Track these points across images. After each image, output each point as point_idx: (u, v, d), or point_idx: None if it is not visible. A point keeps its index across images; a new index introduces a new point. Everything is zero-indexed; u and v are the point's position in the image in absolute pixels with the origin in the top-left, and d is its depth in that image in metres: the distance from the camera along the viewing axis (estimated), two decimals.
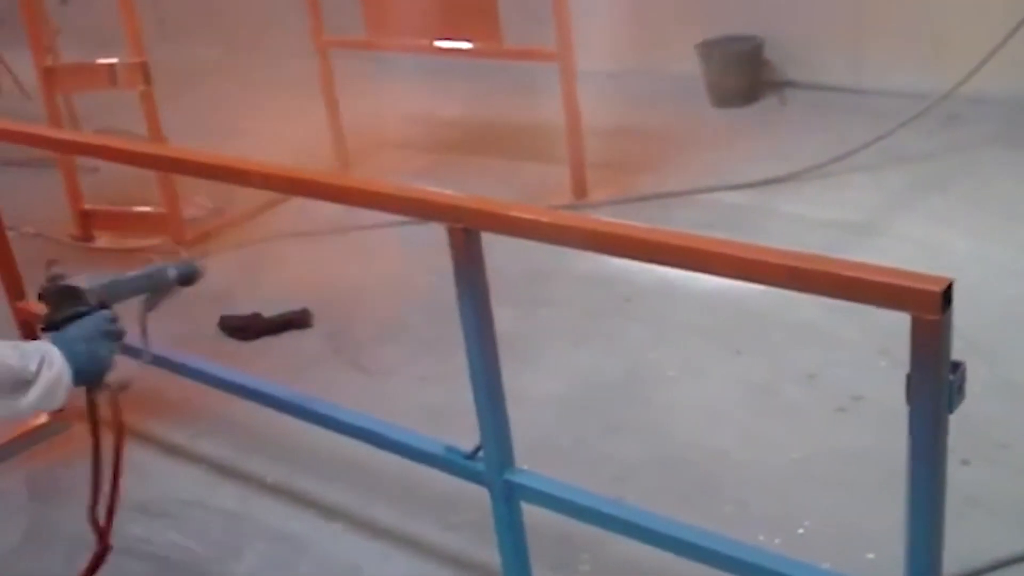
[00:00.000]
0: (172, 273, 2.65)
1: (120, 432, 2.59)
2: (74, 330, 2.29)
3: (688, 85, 7.06)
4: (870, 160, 5.67)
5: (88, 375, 2.26)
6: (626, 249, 2.36)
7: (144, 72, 5.48)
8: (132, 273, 2.57)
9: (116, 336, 2.35)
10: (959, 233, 4.90)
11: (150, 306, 2.58)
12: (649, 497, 3.18)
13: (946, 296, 1.87)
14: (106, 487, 2.69)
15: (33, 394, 2.12)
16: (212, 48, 10.16)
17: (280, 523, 3.60)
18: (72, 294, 2.36)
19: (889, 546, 2.19)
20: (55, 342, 2.22)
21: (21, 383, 2.11)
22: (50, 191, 6.25)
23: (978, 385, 3.35)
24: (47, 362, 2.16)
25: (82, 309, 2.33)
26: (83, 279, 2.40)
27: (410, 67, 7.75)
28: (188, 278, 2.69)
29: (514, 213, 2.49)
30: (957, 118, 6.08)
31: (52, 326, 2.33)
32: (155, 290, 2.60)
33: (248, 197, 5.89)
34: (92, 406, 2.46)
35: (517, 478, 2.77)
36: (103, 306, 2.37)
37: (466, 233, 2.52)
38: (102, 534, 2.73)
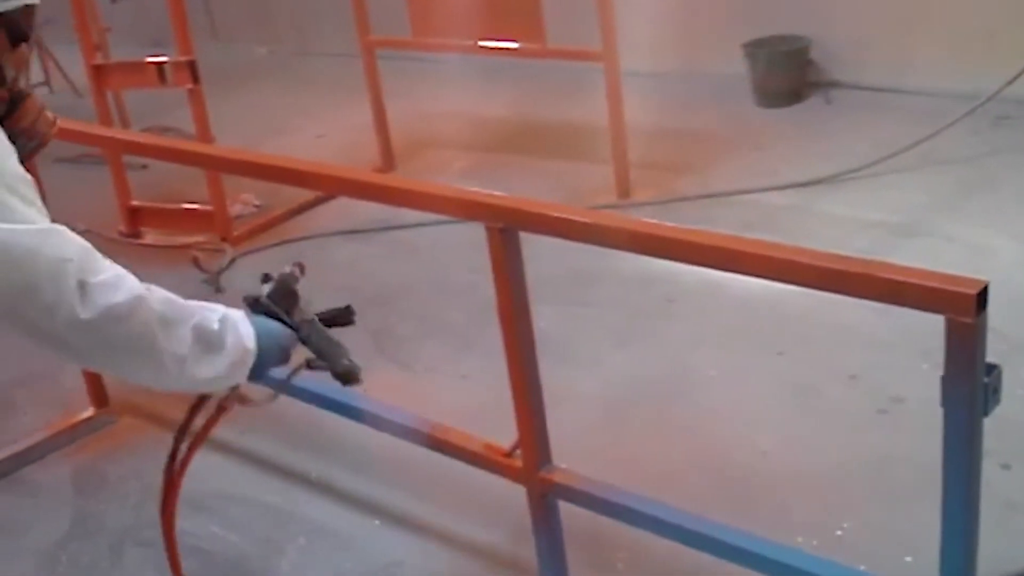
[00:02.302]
0: (345, 365, 2.47)
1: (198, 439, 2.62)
2: (268, 324, 2.23)
3: (733, 85, 7.04)
4: (915, 161, 5.64)
5: (254, 370, 2.16)
6: (668, 250, 2.37)
7: (193, 71, 5.53)
8: (333, 337, 2.48)
9: (285, 360, 2.30)
10: (1006, 236, 4.87)
11: (305, 367, 2.45)
12: (687, 497, 3.17)
13: (981, 299, 1.87)
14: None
15: (220, 359, 2.05)
16: (259, 47, 10.25)
17: (322, 518, 3.64)
18: (288, 299, 2.33)
19: (928, 549, 2.18)
20: (249, 320, 2.16)
21: (209, 343, 2.03)
22: (99, 188, 6.32)
23: (1021, 388, 3.35)
24: (237, 331, 2.09)
25: (283, 317, 2.29)
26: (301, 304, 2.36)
27: (454, 67, 7.77)
28: (347, 378, 2.49)
29: (553, 213, 2.50)
30: (1005, 119, 6.04)
31: (254, 306, 2.28)
32: (325, 364, 2.44)
33: (293, 195, 5.95)
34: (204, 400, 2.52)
35: (554, 476, 2.79)
36: (297, 329, 2.32)
37: (504, 233, 2.53)
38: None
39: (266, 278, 2.33)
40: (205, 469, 3.96)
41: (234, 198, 6.12)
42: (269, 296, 2.28)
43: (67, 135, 4.19)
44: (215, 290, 5.40)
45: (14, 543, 3.70)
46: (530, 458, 2.77)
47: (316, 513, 3.67)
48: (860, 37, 6.91)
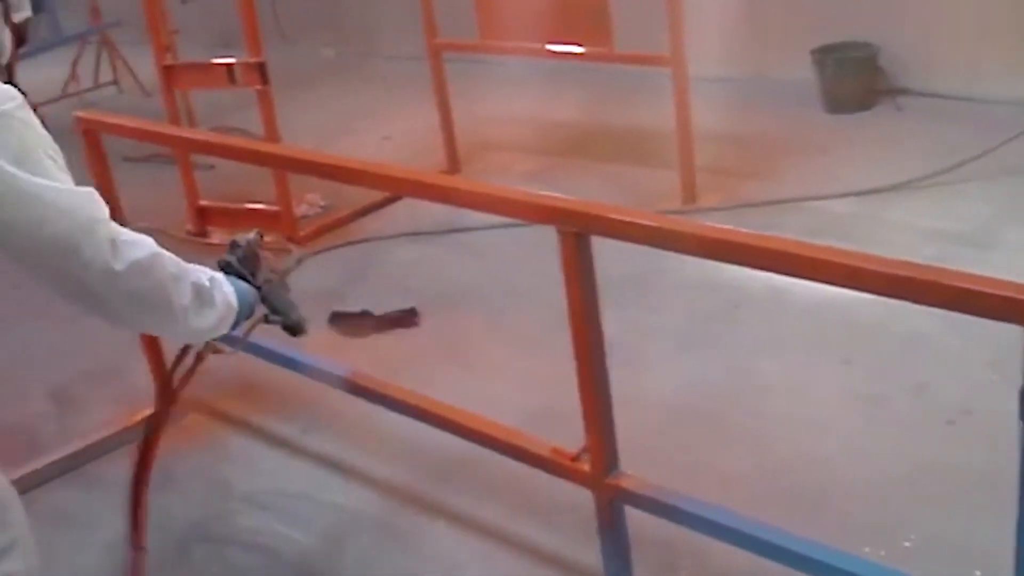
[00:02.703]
0: (293, 318, 2.77)
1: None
2: (239, 284, 2.45)
3: (801, 91, 6.99)
4: (985, 170, 5.56)
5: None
6: (742, 256, 2.35)
7: (262, 72, 5.58)
8: (286, 296, 2.75)
9: (251, 315, 2.53)
10: None
11: (263, 321, 2.69)
12: (752, 505, 3.14)
13: None
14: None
15: (213, 313, 2.24)
16: (326, 48, 10.32)
17: (385, 518, 3.65)
18: (252, 262, 2.60)
19: (997, 564, 2.16)
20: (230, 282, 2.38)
21: (204, 298, 2.21)
22: (167, 187, 6.39)
23: None
24: (222, 289, 2.29)
25: (248, 278, 2.54)
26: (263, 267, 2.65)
27: (520, 70, 7.79)
28: (295, 330, 2.82)
29: (626, 218, 2.49)
30: None
31: (225, 269, 2.51)
32: (279, 318, 2.71)
33: (359, 196, 5.98)
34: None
35: (622, 482, 2.78)
36: (259, 288, 2.57)
37: (577, 237, 2.53)
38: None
39: (233, 244, 2.59)
40: (268, 467, 4.02)
41: (300, 198, 6.17)
42: (239, 260, 2.56)
43: (139, 134, 4.28)
44: (283, 290, 5.43)
45: (82, 537, 3.74)
46: (598, 463, 2.76)
47: (379, 513, 3.69)
48: (930, 44, 6.85)
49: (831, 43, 6.98)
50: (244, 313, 2.43)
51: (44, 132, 2.02)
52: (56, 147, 2.03)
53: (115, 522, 3.76)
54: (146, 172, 6.85)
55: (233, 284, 2.39)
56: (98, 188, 3.85)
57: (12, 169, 1.88)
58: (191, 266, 2.21)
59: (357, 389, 3.57)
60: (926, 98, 6.82)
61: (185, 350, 2.90)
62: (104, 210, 2.01)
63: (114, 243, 1.99)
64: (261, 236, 2.70)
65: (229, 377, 4.55)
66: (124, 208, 4.16)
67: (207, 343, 2.66)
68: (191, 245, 6.12)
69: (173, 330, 2.22)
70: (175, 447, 4.20)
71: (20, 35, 2.35)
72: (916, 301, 2.09)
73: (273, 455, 4.11)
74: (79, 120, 3.95)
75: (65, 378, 4.74)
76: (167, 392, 3.07)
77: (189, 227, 6.26)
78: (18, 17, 2.31)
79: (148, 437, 3.14)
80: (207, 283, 2.23)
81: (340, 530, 3.63)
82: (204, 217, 6.24)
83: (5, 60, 2.24)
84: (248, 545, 3.62)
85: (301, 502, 3.80)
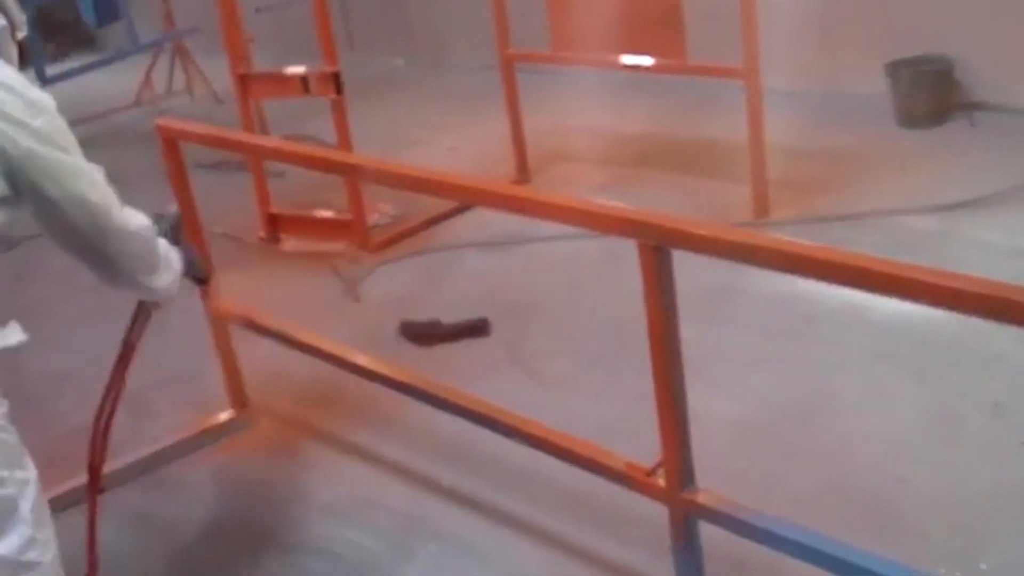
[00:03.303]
0: (199, 270, 3.33)
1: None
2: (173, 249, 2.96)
3: (875, 105, 6.93)
4: None
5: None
6: (818, 271, 2.34)
7: (337, 82, 5.63)
8: (198, 257, 3.37)
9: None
10: None
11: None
12: (826, 524, 3.11)
13: None
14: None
15: (175, 271, 2.87)
16: (396, 58, 10.38)
17: (453, 526, 3.66)
18: (176, 231, 3.11)
19: None
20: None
21: (168, 260, 2.83)
22: (239, 194, 6.46)
23: None
24: (171, 253, 2.87)
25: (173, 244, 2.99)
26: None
27: (592, 81, 7.79)
28: (203, 280, 3.51)
29: (705, 232, 2.49)
30: None
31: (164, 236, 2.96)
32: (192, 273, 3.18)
33: (430, 205, 6.02)
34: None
35: (698, 497, 2.77)
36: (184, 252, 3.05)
37: (657, 251, 2.53)
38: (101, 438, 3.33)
39: (160, 217, 2.99)
40: (341, 474, 4.04)
41: (371, 207, 6.21)
42: (171, 230, 3.04)
43: (217, 142, 4.34)
44: (353, 298, 5.48)
45: (154, 539, 3.79)
46: (673, 478, 2.76)
47: (447, 521, 3.69)
48: (1006, 58, 6.76)
49: (905, 57, 6.91)
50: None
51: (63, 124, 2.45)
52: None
53: (189, 526, 3.84)
54: (218, 178, 6.92)
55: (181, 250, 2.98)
56: (176, 194, 3.96)
57: (60, 155, 2.37)
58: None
59: (427, 397, 3.59)
60: (1002, 113, 6.73)
61: (138, 312, 3.24)
62: (108, 185, 2.53)
63: (125, 209, 2.56)
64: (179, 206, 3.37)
65: (302, 385, 4.60)
66: (199, 213, 4.22)
67: (155, 301, 3.09)
68: (263, 252, 6.19)
69: (154, 288, 2.76)
70: (247, 454, 4.25)
71: (23, 56, 2.58)
72: (994, 319, 2.08)
73: (345, 461, 4.13)
74: (160, 128, 4.01)
75: (140, 382, 4.79)
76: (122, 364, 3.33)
77: (261, 233, 6.31)
78: (21, 35, 2.53)
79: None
80: (162, 250, 2.79)
81: (410, 537, 3.64)
82: (276, 224, 6.29)
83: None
84: (318, 552, 3.64)
85: (372, 509, 3.82)
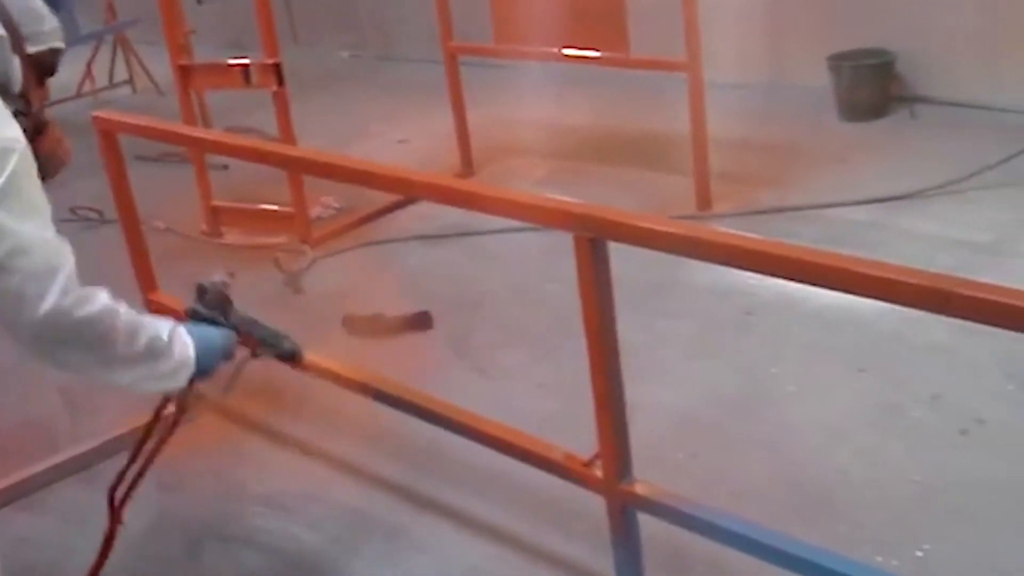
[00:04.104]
0: (287, 346, 2.94)
1: (171, 427, 2.99)
2: (208, 331, 2.62)
3: (817, 98, 6.99)
4: (1002, 179, 5.55)
5: (197, 373, 2.53)
6: (756, 263, 2.36)
7: (277, 73, 5.59)
8: (270, 327, 2.89)
9: (230, 356, 2.69)
10: None
11: (251, 357, 2.88)
12: (764, 513, 3.16)
13: None
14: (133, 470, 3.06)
15: (165, 365, 2.42)
16: (341, 51, 10.33)
17: (398, 521, 3.65)
18: (223, 304, 2.73)
19: (1010, 573, 2.15)
20: (189, 331, 2.52)
21: (157, 352, 2.40)
22: (180, 187, 6.40)
23: None
24: (182, 341, 2.47)
25: (221, 321, 2.69)
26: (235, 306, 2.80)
27: (538, 74, 7.79)
28: (293, 358, 2.99)
29: (642, 224, 2.49)
30: None
31: (194, 316, 2.71)
32: (268, 350, 2.89)
33: (374, 199, 5.98)
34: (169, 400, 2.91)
35: (635, 488, 2.78)
36: (235, 329, 2.71)
37: (593, 243, 2.53)
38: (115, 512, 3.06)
39: (201, 290, 2.72)
40: (282, 469, 4.02)
41: (314, 200, 6.17)
42: (207, 305, 2.69)
43: (155, 134, 4.30)
44: (295, 291, 5.45)
45: (93, 537, 3.74)
46: (611, 470, 2.76)
47: (392, 516, 3.68)
48: (946, 52, 6.83)
49: (847, 50, 6.97)
50: (216, 357, 2.58)
51: (37, 179, 2.23)
52: (43, 195, 2.24)
53: (128, 523, 3.78)
54: (159, 171, 6.87)
55: (200, 332, 2.55)
56: (113, 187, 3.88)
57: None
58: (151, 320, 2.42)
59: (370, 391, 3.57)
60: (942, 106, 6.81)
61: (164, 404, 2.98)
62: (68, 262, 2.20)
63: (67, 292, 2.17)
64: (231, 275, 2.83)
65: (243, 379, 4.56)
66: (139, 207, 4.18)
67: (185, 390, 2.62)
68: (205, 245, 6.14)
69: (113, 378, 2.36)
70: (188, 447, 4.21)
71: (42, 67, 2.34)
72: (930, 310, 2.09)
73: (287, 457, 4.11)
74: (96, 120, 3.97)
75: (79, 377, 4.74)
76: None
77: (203, 227, 6.27)
78: (34, 48, 2.35)
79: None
80: (164, 337, 2.40)
81: (353, 532, 3.62)
82: (218, 217, 6.25)
83: (16, 90, 2.39)
84: (260, 547, 3.62)
85: (314, 503, 3.80)
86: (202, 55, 7.27)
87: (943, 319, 2.13)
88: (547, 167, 6.72)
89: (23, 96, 2.52)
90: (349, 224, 6.17)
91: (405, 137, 7.65)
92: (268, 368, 4.13)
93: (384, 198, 6.02)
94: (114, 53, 10.01)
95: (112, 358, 2.32)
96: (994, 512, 3.25)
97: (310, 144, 5.94)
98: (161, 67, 7.72)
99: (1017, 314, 1.92)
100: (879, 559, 3.13)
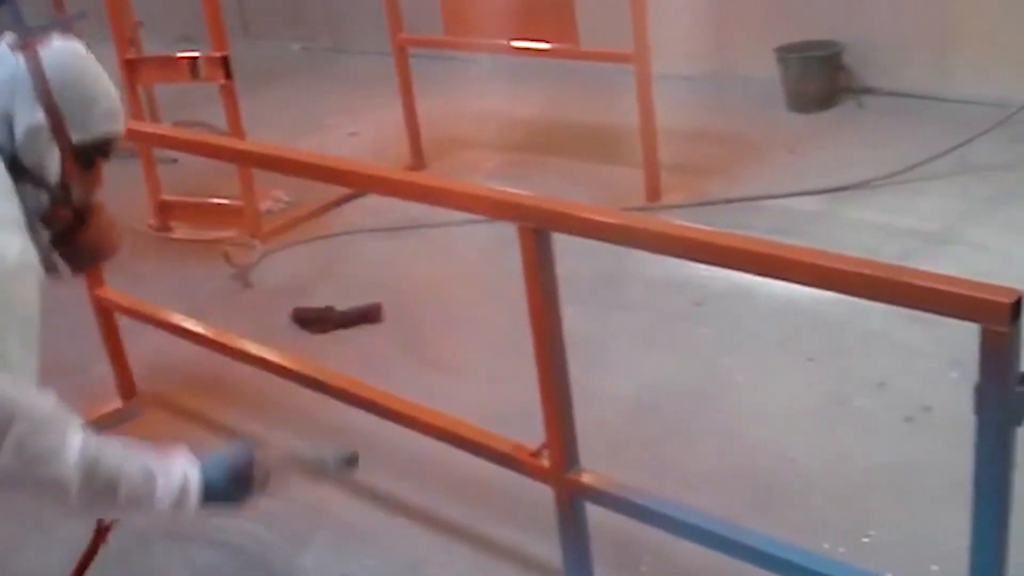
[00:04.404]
0: (340, 457, 2.76)
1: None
2: (225, 476, 2.39)
3: (765, 90, 7.02)
4: (949, 169, 5.60)
5: (213, 507, 2.35)
6: (697, 252, 2.37)
7: (225, 66, 5.55)
8: (308, 456, 2.73)
9: (247, 484, 2.47)
10: None
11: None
12: (714, 502, 3.18)
13: (1016, 308, 1.86)
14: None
15: (161, 504, 2.21)
16: (292, 44, 10.27)
17: (347, 515, 3.64)
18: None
19: (955, 558, 2.17)
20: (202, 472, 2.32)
21: (143, 498, 2.19)
22: (129, 182, 6.34)
23: None
24: (184, 489, 2.26)
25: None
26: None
27: (486, 67, 7.79)
28: (351, 461, 2.79)
29: (585, 214, 2.50)
30: None
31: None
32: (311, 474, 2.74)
33: (324, 192, 5.97)
34: None
35: (581, 478, 2.79)
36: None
37: (536, 233, 2.53)
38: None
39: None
40: None
41: (264, 194, 6.14)
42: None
43: None
44: (244, 285, 5.42)
45: (44, 536, 3.71)
46: (557, 460, 2.77)
47: (342, 509, 3.67)
48: (894, 43, 6.88)
49: (795, 41, 7.01)
50: (229, 490, 2.38)
51: (25, 307, 2.06)
52: (31, 323, 2.08)
53: (78, 520, 3.75)
54: (110, 166, 6.77)
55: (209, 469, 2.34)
56: None
57: None
58: (137, 460, 2.22)
59: (319, 385, 3.57)
60: (889, 97, 6.86)
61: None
62: (26, 419, 2.01)
63: (21, 452, 1.99)
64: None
65: (192, 374, 4.54)
66: None
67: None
68: (153, 241, 6.09)
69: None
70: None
71: (91, 155, 2.07)
72: (878, 300, 2.11)
73: None
74: None
75: None
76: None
77: (151, 222, 6.22)
78: (80, 137, 2.06)
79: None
80: (148, 478, 2.20)
81: (303, 527, 3.61)
82: (167, 212, 6.20)
83: (53, 181, 2.14)
84: (209, 542, 3.60)
85: (264, 499, 3.77)
86: (153, 49, 7.21)
87: (890, 309, 2.15)
88: (498, 159, 6.72)
89: (63, 185, 2.36)
90: (299, 218, 6.15)
91: (356, 130, 7.62)
92: (217, 363, 4.15)
93: (334, 191, 6.00)
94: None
95: (88, 507, 2.17)
96: (936, 496, 3.30)
97: (260, 138, 5.91)
98: (110, 62, 7.64)
99: (959, 302, 1.94)
100: (826, 546, 3.16)
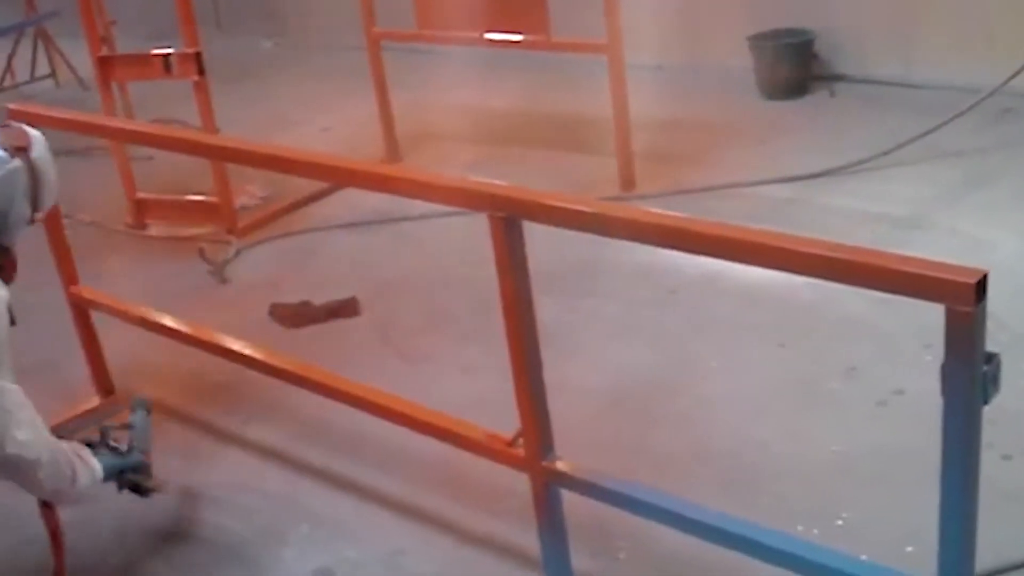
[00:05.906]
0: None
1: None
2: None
3: (738, 78, 7.05)
4: (919, 154, 5.64)
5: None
6: (671, 240, 2.39)
7: (198, 62, 5.55)
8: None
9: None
10: (1008, 229, 4.87)
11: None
12: (688, 487, 3.20)
13: (980, 288, 1.89)
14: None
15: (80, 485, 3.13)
16: (265, 40, 10.26)
17: (326, 508, 3.65)
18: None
19: (929, 538, 2.19)
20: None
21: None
22: (106, 179, 6.34)
23: (1023, 380, 3.35)
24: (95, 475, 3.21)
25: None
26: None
27: (459, 59, 7.80)
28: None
29: (555, 202, 2.52)
30: (1009, 112, 6.05)
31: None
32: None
33: (299, 187, 5.97)
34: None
35: (557, 465, 2.81)
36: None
37: (507, 221, 2.55)
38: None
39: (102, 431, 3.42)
40: (209, 459, 4.01)
41: (239, 190, 6.14)
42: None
43: (72, 126, 4.24)
44: (220, 281, 5.42)
45: (19, 531, 3.71)
46: (532, 448, 2.79)
47: (319, 502, 3.69)
48: (865, 31, 6.93)
49: (767, 30, 7.04)
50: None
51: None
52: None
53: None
54: (86, 165, 6.79)
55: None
56: None
57: None
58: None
59: (296, 379, 3.58)
60: (861, 84, 6.91)
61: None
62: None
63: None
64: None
65: (169, 371, 4.54)
66: (63, 201, 4.13)
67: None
68: (129, 238, 6.09)
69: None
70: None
71: None
72: (847, 283, 2.13)
73: (213, 447, 4.10)
74: (12, 113, 3.91)
75: None
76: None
77: (127, 220, 6.21)
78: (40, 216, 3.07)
79: None
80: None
81: (281, 520, 3.62)
82: (142, 210, 6.19)
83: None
84: (188, 537, 3.61)
85: (242, 493, 3.79)
86: (126, 46, 7.20)
87: (862, 294, 2.17)
88: (473, 152, 6.72)
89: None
90: (274, 213, 6.15)
91: (329, 125, 7.62)
92: (194, 360, 4.15)
93: (309, 186, 6.00)
94: (35, 47, 9.85)
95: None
96: (909, 478, 3.30)
97: (233, 133, 5.91)
98: (84, 60, 7.62)
99: (924, 283, 1.96)
100: (800, 528, 3.18)
